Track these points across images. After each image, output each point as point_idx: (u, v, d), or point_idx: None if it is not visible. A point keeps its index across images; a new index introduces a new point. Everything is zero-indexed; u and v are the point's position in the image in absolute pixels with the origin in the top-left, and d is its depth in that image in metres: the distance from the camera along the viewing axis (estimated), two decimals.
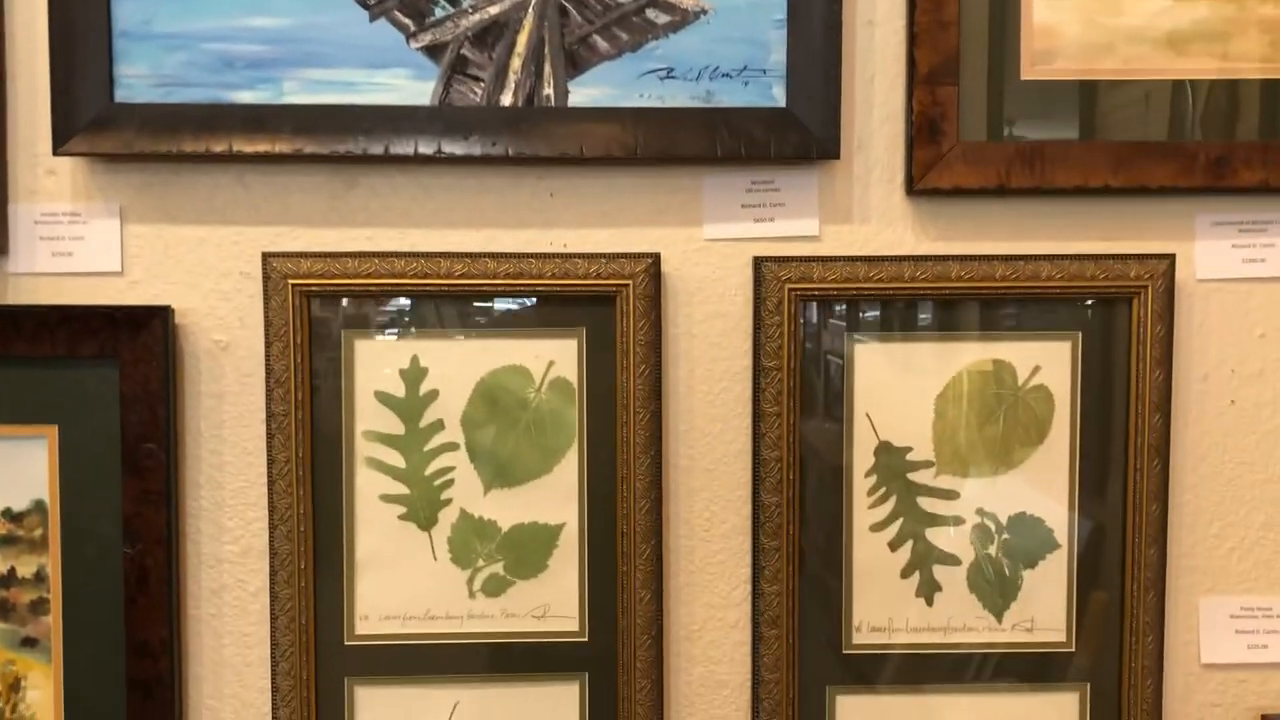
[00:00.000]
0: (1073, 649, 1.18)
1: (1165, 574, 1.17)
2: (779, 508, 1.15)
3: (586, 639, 1.16)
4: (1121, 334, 1.15)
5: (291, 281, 1.12)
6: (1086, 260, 1.14)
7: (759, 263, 1.14)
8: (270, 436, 1.13)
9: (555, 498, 1.16)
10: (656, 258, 1.14)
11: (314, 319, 1.13)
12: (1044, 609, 1.17)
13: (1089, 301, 1.15)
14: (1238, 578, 1.19)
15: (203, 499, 1.16)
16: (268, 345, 1.12)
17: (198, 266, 1.15)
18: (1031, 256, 1.14)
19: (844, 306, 1.15)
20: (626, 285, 1.13)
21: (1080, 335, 1.16)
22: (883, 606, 1.17)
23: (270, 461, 1.13)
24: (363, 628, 1.16)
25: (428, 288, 1.12)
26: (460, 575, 1.16)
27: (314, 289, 1.12)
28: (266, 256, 1.12)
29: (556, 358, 1.15)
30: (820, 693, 1.17)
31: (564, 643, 1.16)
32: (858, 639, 1.17)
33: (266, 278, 1.12)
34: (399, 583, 1.15)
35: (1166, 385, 1.15)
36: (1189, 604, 1.19)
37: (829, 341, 1.16)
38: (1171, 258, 1.15)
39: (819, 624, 1.17)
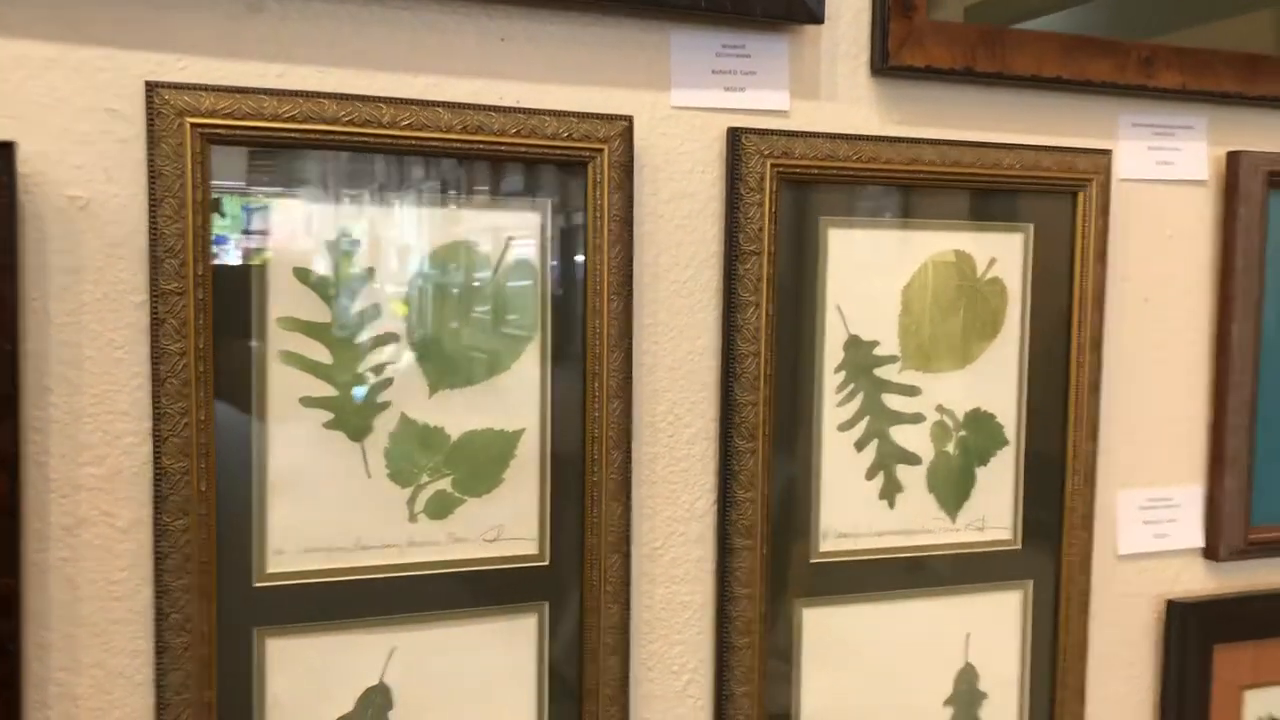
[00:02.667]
0: (1019, 546, 1.17)
1: (1097, 467, 1.19)
2: (755, 407, 1.04)
3: (547, 563, 1.00)
4: (1067, 228, 1.15)
5: (190, 121, 0.87)
6: (1041, 151, 1.13)
7: (736, 135, 1.03)
8: (157, 324, 0.87)
9: (513, 400, 0.98)
10: (630, 121, 0.99)
11: (216, 172, 0.89)
12: (994, 508, 1.16)
13: (1040, 194, 1.14)
14: (1146, 470, 1.24)
15: (53, 407, 0.88)
16: (155, 204, 0.86)
17: (45, 98, 0.86)
18: (993, 145, 1.11)
19: (818, 188, 1.07)
20: (600, 151, 0.98)
21: (1032, 228, 1.14)
22: (849, 511, 1.10)
23: (157, 356, 0.87)
24: (276, 564, 0.92)
25: (365, 139, 0.91)
26: (399, 495, 0.95)
27: (220, 133, 0.88)
28: (153, 87, 0.86)
29: (517, 234, 0.97)
30: (788, 607, 1.09)
31: (520, 568, 0.99)
32: (825, 546, 1.10)
33: (154, 115, 0.86)
34: (323, 507, 0.93)
35: (1104, 280, 1.17)
36: (1108, 497, 1.22)
37: (802, 227, 1.07)
38: (1110, 154, 1.16)
39: (788, 533, 1.08)
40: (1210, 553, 1.25)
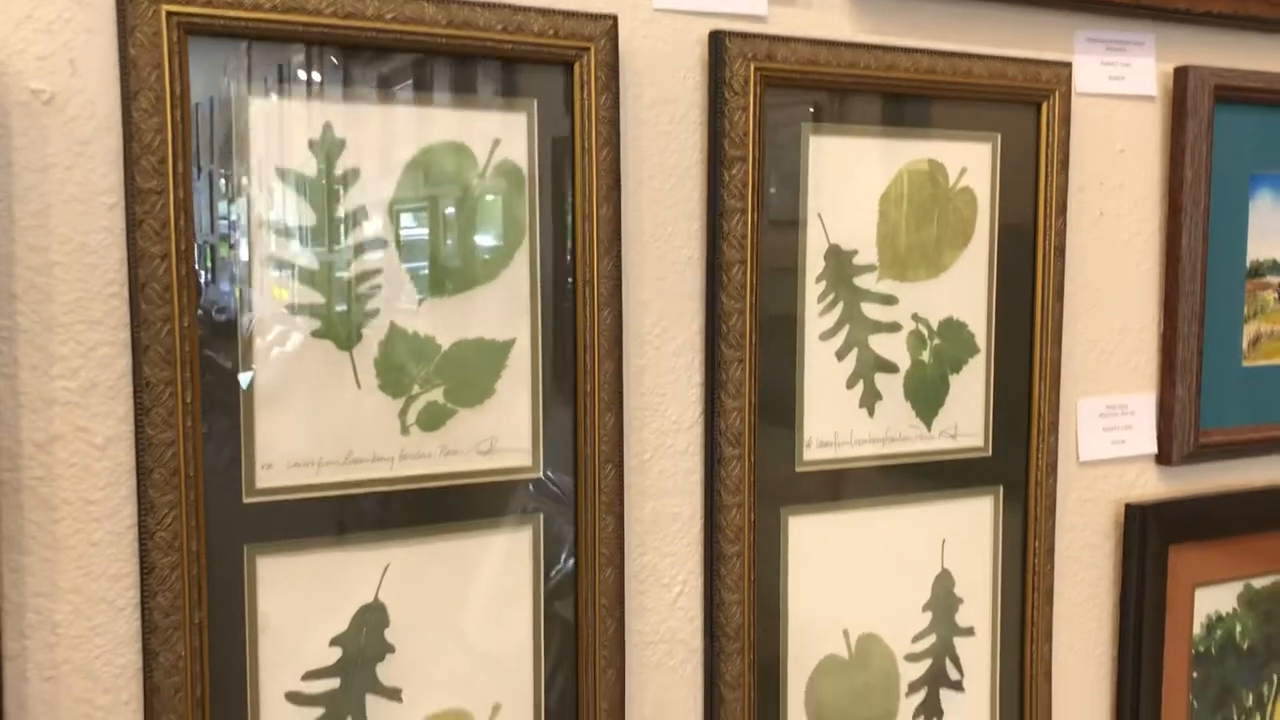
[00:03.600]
0: (989, 454, 1.19)
1: (1062, 375, 1.21)
2: (741, 315, 1.04)
3: (540, 475, 0.98)
4: (1032, 138, 1.17)
5: (166, 9, 0.81)
6: (1009, 62, 1.15)
7: (719, 38, 1.01)
8: (134, 225, 0.82)
9: (503, 309, 0.96)
10: (615, 21, 0.97)
11: (192, 65, 0.84)
12: (966, 415, 1.17)
13: (1006, 103, 1.16)
14: (1104, 378, 1.27)
15: (20, 316, 0.82)
16: (129, 98, 0.81)
17: None
18: (964, 54, 1.12)
19: (799, 94, 1.06)
20: (587, 49, 0.95)
21: (999, 137, 1.16)
22: (831, 420, 1.11)
23: (135, 259, 0.82)
24: (265, 480, 0.88)
25: (349, 32, 0.87)
26: (391, 406, 0.92)
27: (197, 22, 0.83)
28: None
29: (503, 135, 0.95)
30: (775, 516, 1.09)
31: (515, 480, 0.97)
32: (809, 455, 1.10)
33: (125, 2, 0.81)
34: (313, 419, 0.90)
35: (1066, 189, 1.19)
36: (1069, 404, 1.25)
37: (783, 134, 1.06)
38: (1070, 66, 1.19)
39: (774, 442, 1.08)
40: (1163, 458, 1.29)
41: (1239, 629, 1.36)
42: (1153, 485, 1.30)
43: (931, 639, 1.17)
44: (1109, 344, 1.27)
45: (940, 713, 1.18)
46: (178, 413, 0.83)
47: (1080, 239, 1.23)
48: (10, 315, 0.82)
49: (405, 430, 0.93)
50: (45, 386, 0.83)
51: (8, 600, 0.82)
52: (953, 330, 1.16)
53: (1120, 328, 1.27)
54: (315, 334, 0.89)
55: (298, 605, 0.90)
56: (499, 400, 0.96)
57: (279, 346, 0.88)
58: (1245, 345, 1.32)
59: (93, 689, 0.85)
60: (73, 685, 0.84)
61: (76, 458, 0.84)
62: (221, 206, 0.86)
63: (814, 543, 1.11)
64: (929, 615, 1.17)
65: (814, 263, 1.09)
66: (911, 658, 1.16)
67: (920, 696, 1.17)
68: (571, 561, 0.99)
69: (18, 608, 0.83)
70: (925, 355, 1.15)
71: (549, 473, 0.98)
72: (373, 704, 0.93)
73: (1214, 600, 1.33)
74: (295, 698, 0.90)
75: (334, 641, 0.91)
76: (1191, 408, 1.28)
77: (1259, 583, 1.37)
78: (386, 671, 0.93)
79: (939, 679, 1.18)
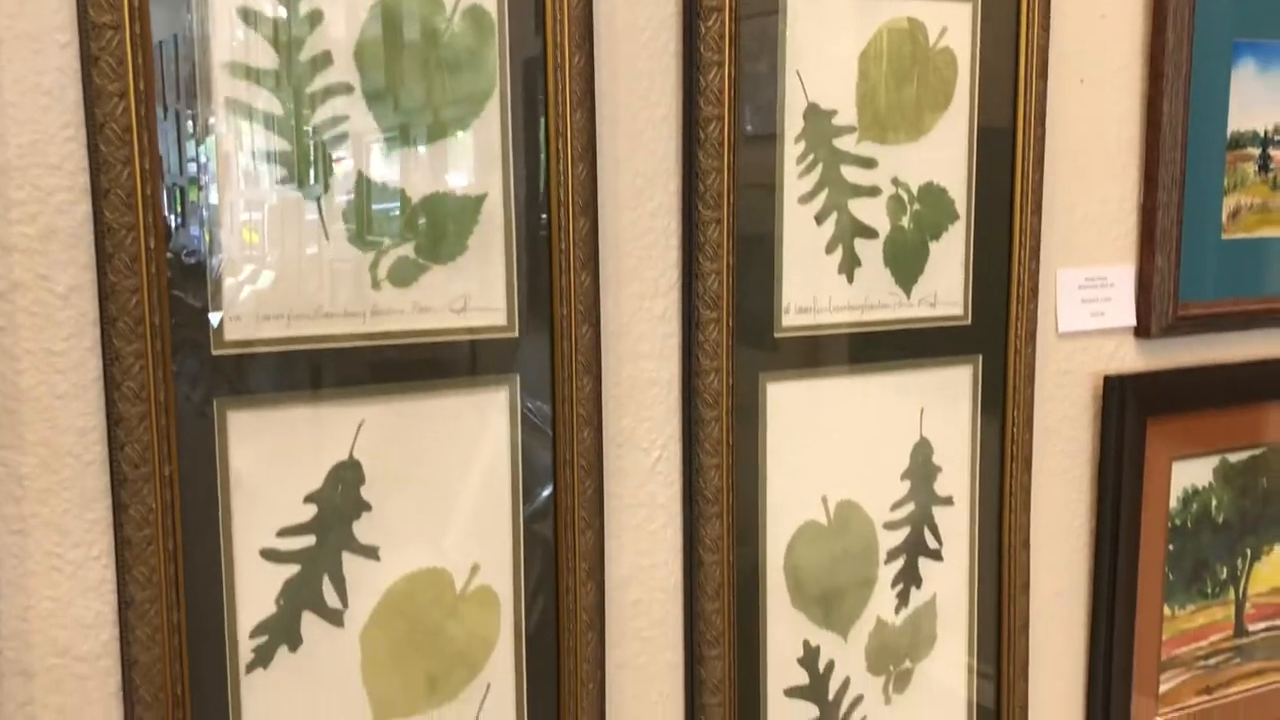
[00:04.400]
0: (969, 322, 1.18)
1: (1042, 245, 1.20)
2: (719, 174, 1.02)
3: (516, 334, 0.97)
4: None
5: None
6: None
7: None
8: (89, 60, 0.79)
9: (473, 162, 0.94)
10: None
11: None
12: (945, 283, 1.16)
13: None
14: (1084, 249, 1.26)
15: None
16: None
17: None
18: None
19: None
20: None
21: None
22: (809, 286, 1.09)
23: (91, 97, 0.79)
24: (234, 331, 0.86)
25: None
26: (361, 259, 0.90)
27: None
28: None
29: None
30: (753, 381, 1.08)
31: (489, 340, 0.96)
32: (787, 321, 1.09)
33: None
34: (282, 272, 0.88)
35: (1046, 53, 1.17)
36: (1049, 275, 1.24)
37: None
38: None
39: (752, 306, 1.07)
40: (1142, 330, 1.29)
41: (1214, 503, 1.37)
42: (1131, 358, 1.30)
43: (910, 507, 1.17)
44: (1089, 213, 1.26)
45: (919, 581, 1.19)
46: (140, 259, 0.81)
47: (1061, 106, 1.22)
48: None
49: (376, 285, 0.91)
50: (3, 232, 0.80)
51: None
52: (933, 196, 1.15)
53: (1101, 197, 1.26)
54: (282, 182, 0.87)
55: (270, 461, 0.89)
56: (472, 257, 0.94)
57: (246, 193, 0.85)
58: (1225, 218, 1.31)
59: (62, 543, 0.83)
60: (42, 539, 0.83)
61: (38, 307, 0.82)
62: (183, 45, 0.83)
63: (793, 409, 1.10)
64: (908, 484, 1.17)
65: (793, 122, 1.06)
66: (890, 525, 1.17)
67: (899, 564, 1.17)
68: (550, 424, 0.98)
69: None
70: (905, 221, 1.13)
71: (525, 333, 0.96)
72: (350, 562, 0.92)
73: (1190, 474, 1.34)
74: (270, 554, 0.89)
75: (309, 498, 0.90)
76: (1170, 280, 1.28)
77: (1234, 457, 1.37)
78: (363, 530, 0.92)
79: (918, 547, 1.18)
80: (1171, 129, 1.25)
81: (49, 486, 0.83)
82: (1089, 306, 1.27)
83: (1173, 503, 1.33)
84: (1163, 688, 1.36)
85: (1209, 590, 1.38)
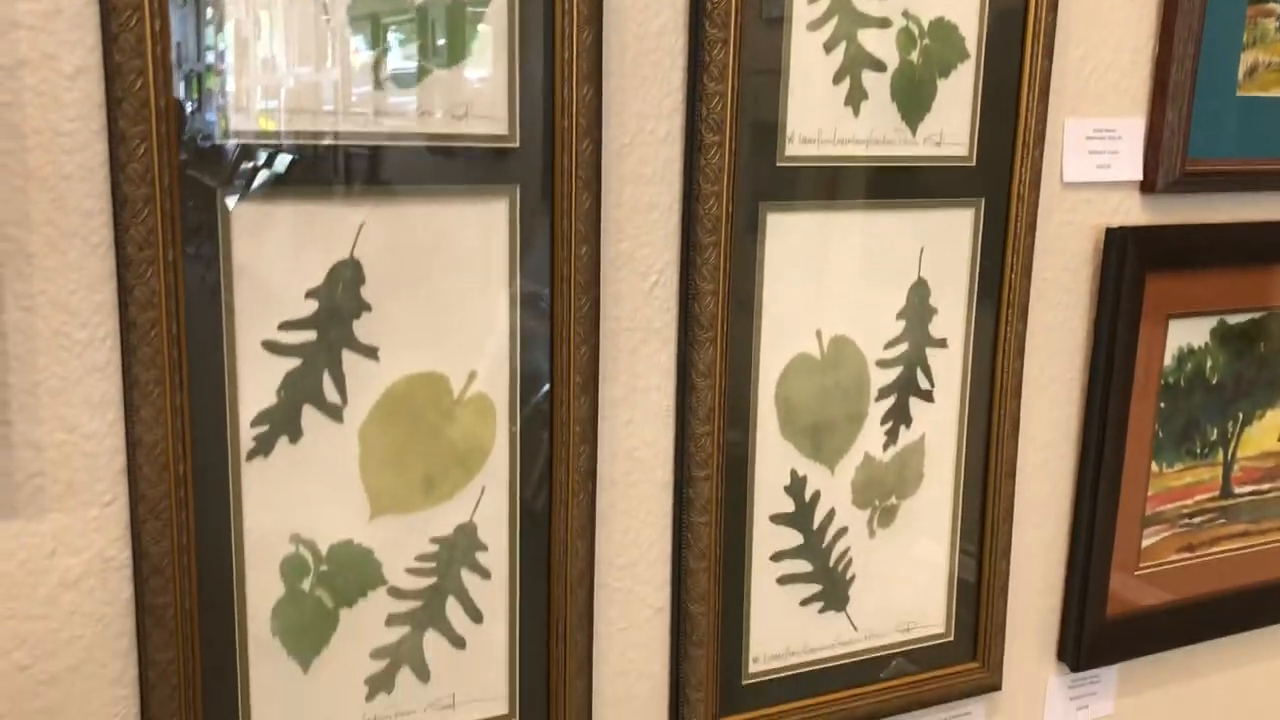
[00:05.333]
0: (973, 164, 1.18)
1: (1051, 91, 1.19)
2: None
3: (517, 144, 0.97)
4: None
5: None
6: None
7: None
8: None
9: None
10: None
11: None
12: (952, 123, 1.16)
13: None
14: (1093, 100, 1.25)
15: None
16: None
17: None
18: None
19: None
20: None
21: None
22: (815, 116, 1.09)
23: None
24: (239, 123, 0.87)
25: None
26: (364, 56, 0.91)
27: None
28: None
29: None
30: (754, 209, 1.08)
31: (490, 148, 0.96)
32: (790, 150, 1.09)
33: None
34: (285, 61, 0.88)
35: None
36: (1055, 125, 1.23)
37: None
38: None
39: (756, 133, 1.07)
40: (1148, 185, 1.29)
41: (1209, 363, 1.38)
42: (1135, 212, 1.30)
43: (904, 346, 1.19)
44: (1101, 62, 1.25)
45: (909, 420, 1.21)
46: (146, 41, 0.82)
47: None
48: None
49: (379, 85, 0.91)
50: (7, 9, 0.81)
51: None
52: (944, 31, 1.14)
53: (1114, 46, 1.25)
54: None
55: (272, 256, 0.90)
56: (474, 63, 0.94)
57: None
58: (1241, 74, 1.30)
59: (70, 323, 0.86)
60: (50, 317, 0.85)
61: (45, 85, 0.83)
62: None
63: (791, 241, 1.11)
64: (903, 323, 1.18)
65: None
66: (883, 364, 1.18)
67: (890, 402, 1.19)
68: (548, 236, 0.99)
69: None
70: (914, 55, 1.13)
71: (525, 144, 0.97)
72: (349, 359, 0.94)
73: (1186, 333, 1.35)
74: (272, 346, 0.91)
75: (309, 294, 0.92)
76: (1181, 134, 1.27)
77: (1233, 319, 1.38)
78: (363, 329, 0.94)
79: (909, 387, 1.20)
80: None
81: (56, 266, 0.85)
82: (1095, 158, 1.27)
83: (1167, 360, 1.35)
84: (1145, 542, 1.39)
85: (1198, 450, 1.40)
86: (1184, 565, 1.43)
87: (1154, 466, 1.37)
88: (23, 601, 0.88)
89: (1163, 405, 1.36)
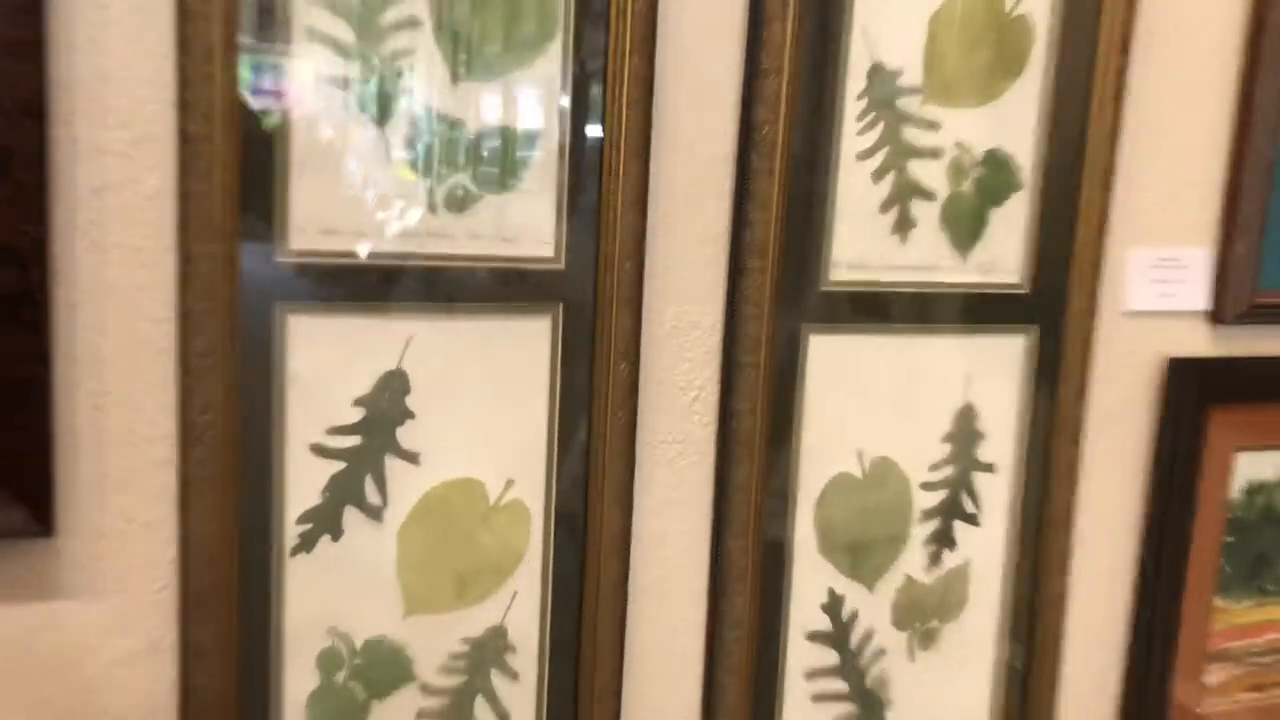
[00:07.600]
0: (1026, 291, 1.18)
1: (1110, 222, 1.19)
2: (773, 126, 1.05)
3: (563, 267, 1.02)
4: None
5: None
6: None
7: None
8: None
9: (533, 98, 0.99)
10: None
11: None
12: (1004, 251, 1.17)
13: None
14: (1158, 229, 1.24)
15: (78, 68, 0.88)
16: None
17: None
18: None
19: None
20: None
21: None
22: (861, 243, 1.11)
23: (183, 18, 0.87)
24: (299, 242, 0.94)
25: None
26: (420, 184, 0.97)
27: None
28: None
29: None
30: (795, 331, 1.11)
31: (537, 270, 1.01)
32: (834, 275, 1.11)
33: None
34: (345, 189, 0.94)
35: (1131, 24, 1.15)
36: (1118, 254, 1.23)
37: None
38: None
39: (799, 258, 1.09)
40: (1215, 316, 1.26)
41: None
42: (1201, 343, 1.28)
43: (950, 470, 1.19)
44: (1168, 192, 1.24)
45: (952, 543, 1.20)
46: (215, 167, 0.89)
47: (1146, 79, 1.20)
48: (70, 66, 0.88)
49: (433, 209, 0.97)
50: (100, 136, 0.89)
51: (61, 329, 0.90)
52: (998, 162, 1.15)
53: (1183, 177, 1.24)
54: (349, 107, 0.93)
55: (325, 364, 0.96)
56: (525, 192, 0.99)
57: (316, 114, 0.92)
58: None
59: (136, 420, 0.93)
60: (118, 415, 0.92)
61: (126, 207, 0.90)
62: None
63: (834, 362, 1.12)
64: (948, 446, 1.18)
65: (855, 79, 1.08)
66: (927, 486, 1.18)
67: (934, 525, 1.19)
68: (589, 352, 1.03)
69: (70, 338, 0.90)
70: (966, 185, 1.14)
71: (570, 267, 1.01)
72: (391, 464, 0.99)
73: (1257, 466, 1.31)
74: (320, 450, 0.97)
75: (357, 402, 0.97)
76: (1251, 265, 1.25)
77: None
78: (406, 436, 0.99)
79: (954, 510, 1.20)
80: (1264, 111, 1.22)
81: (126, 369, 0.92)
82: (1159, 287, 1.25)
83: (1235, 494, 1.31)
84: (1211, 679, 1.34)
85: (1268, 587, 1.35)
86: (1252, 705, 1.37)
87: (1220, 601, 1.33)
88: (77, 674, 0.94)
89: (1230, 540, 1.32)
